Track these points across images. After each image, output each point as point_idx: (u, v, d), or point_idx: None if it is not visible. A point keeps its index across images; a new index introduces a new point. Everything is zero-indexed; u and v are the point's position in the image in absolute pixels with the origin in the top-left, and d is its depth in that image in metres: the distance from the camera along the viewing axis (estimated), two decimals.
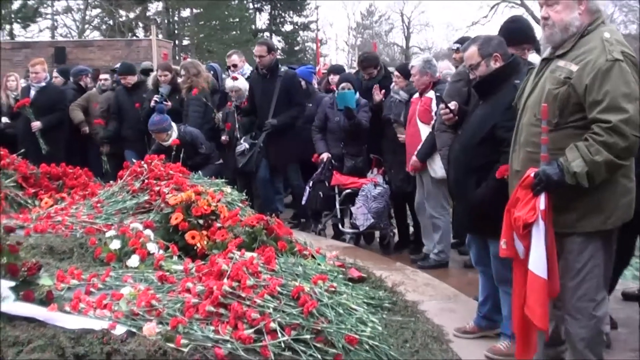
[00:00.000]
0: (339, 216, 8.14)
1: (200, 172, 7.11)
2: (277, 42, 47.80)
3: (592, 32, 3.67)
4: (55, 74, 11.80)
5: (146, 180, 6.36)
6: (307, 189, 8.25)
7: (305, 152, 8.73)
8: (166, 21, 41.54)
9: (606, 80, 3.48)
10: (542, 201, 3.57)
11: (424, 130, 6.97)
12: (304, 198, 8.28)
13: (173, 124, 8.22)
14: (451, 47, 10.23)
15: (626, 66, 3.51)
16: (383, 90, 8.11)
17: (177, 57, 27.36)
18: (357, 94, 8.16)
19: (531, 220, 3.57)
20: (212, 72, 10.02)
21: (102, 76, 10.99)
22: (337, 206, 8.11)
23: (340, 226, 8.18)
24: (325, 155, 8.24)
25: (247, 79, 9.24)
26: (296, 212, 9.52)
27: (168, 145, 7.97)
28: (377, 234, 8.34)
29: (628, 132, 3.44)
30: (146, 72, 11.44)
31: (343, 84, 8.11)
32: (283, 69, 9.32)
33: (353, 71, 10.26)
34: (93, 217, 5.90)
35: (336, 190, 8.11)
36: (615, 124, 3.43)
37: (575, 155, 3.50)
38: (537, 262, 3.58)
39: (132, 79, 9.97)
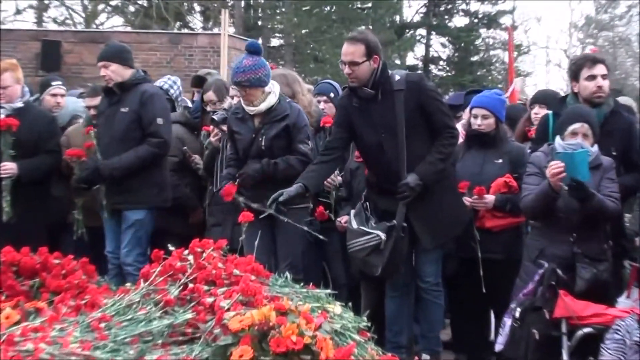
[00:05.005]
0: None
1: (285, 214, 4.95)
2: (439, 45, 32.13)
3: None
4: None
5: (190, 285, 3.80)
6: (507, 321, 4.72)
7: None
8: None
9: None
10: None
11: None
12: (500, 340, 4.75)
13: (274, 81, 5.37)
14: None
15: None
16: None
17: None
18: (596, 146, 4.75)
19: None
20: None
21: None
22: (565, 357, 4.57)
23: None
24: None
25: None
26: (458, 357, 5.77)
27: (255, 113, 5.26)
28: None
29: None
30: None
31: (574, 126, 4.68)
32: (397, 75, 5.13)
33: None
34: (91, 346, 3.65)
35: (563, 328, 4.62)
36: None
37: None
38: None
39: None
